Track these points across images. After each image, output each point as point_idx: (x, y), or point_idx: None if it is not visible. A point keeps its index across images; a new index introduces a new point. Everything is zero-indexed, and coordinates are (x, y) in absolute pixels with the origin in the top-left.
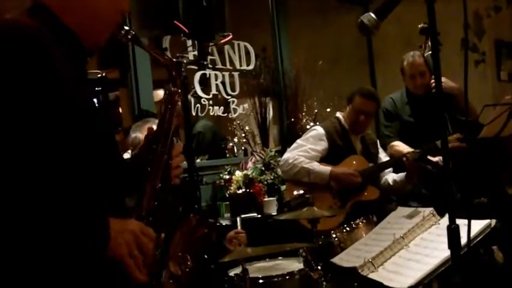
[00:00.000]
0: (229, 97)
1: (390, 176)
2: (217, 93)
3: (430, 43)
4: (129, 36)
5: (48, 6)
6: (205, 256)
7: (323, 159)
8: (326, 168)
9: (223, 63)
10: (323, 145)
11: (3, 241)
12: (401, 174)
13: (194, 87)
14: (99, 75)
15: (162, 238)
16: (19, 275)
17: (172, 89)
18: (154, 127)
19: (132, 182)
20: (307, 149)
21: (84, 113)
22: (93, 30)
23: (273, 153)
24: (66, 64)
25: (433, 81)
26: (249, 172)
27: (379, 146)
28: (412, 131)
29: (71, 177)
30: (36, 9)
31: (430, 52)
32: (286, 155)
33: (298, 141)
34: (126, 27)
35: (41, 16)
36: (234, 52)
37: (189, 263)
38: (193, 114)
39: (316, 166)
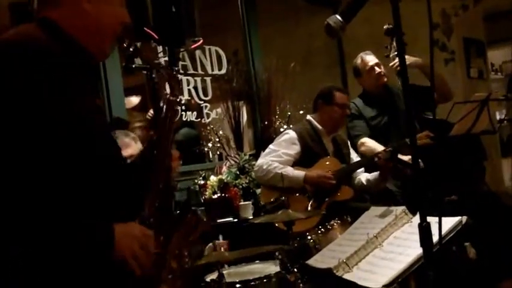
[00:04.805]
0: (202, 102)
1: (363, 176)
2: (189, 98)
3: (395, 44)
4: (131, 49)
5: (55, 20)
6: None
7: (296, 163)
8: (300, 173)
9: (195, 69)
10: (296, 149)
11: (15, 249)
12: (375, 173)
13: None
14: None
15: (161, 239)
16: (32, 278)
17: (171, 98)
18: (125, 140)
19: (138, 184)
20: (280, 154)
21: (89, 119)
22: (97, 41)
23: (247, 157)
24: (72, 77)
25: (396, 62)
26: (224, 177)
27: (350, 146)
28: (377, 131)
29: (76, 188)
30: (45, 23)
31: (396, 53)
32: (259, 161)
33: (271, 146)
34: (128, 40)
35: (50, 30)
36: (206, 57)
37: (186, 259)
38: None
39: (290, 171)
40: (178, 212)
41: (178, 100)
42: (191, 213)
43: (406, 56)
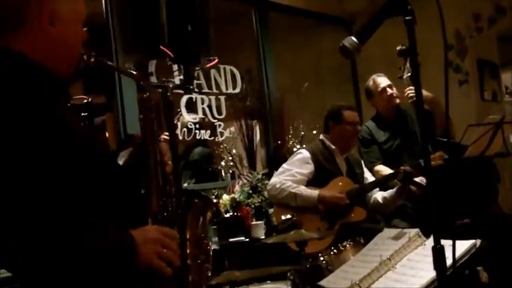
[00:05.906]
0: (216, 120)
1: (379, 194)
2: (203, 116)
3: (408, 64)
4: (92, 59)
5: (15, 49)
6: None
7: (309, 182)
8: (314, 192)
9: (210, 87)
10: (309, 168)
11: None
12: (391, 191)
13: (180, 111)
14: (85, 101)
15: (176, 229)
16: None
17: (144, 96)
18: None
19: (135, 186)
20: (293, 173)
21: (74, 134)
22: (65, 63)
23: (260, 176)
24: (45, 100)
25: (411, 91)
26: (237, 195)
27: (363, 165)
28: (389, 155)
29: (88, 202)
30: (10, 55)
31: (410, 74)
32: (273, 180)
33: (284, 165)
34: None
35: (10, 59)
36: (220, 76)
37: (206, 241)
38: (180, 138)
39: (304, 190)
40: (184, 199)
41: (148, 97)
42: (198, 197)
43: None
